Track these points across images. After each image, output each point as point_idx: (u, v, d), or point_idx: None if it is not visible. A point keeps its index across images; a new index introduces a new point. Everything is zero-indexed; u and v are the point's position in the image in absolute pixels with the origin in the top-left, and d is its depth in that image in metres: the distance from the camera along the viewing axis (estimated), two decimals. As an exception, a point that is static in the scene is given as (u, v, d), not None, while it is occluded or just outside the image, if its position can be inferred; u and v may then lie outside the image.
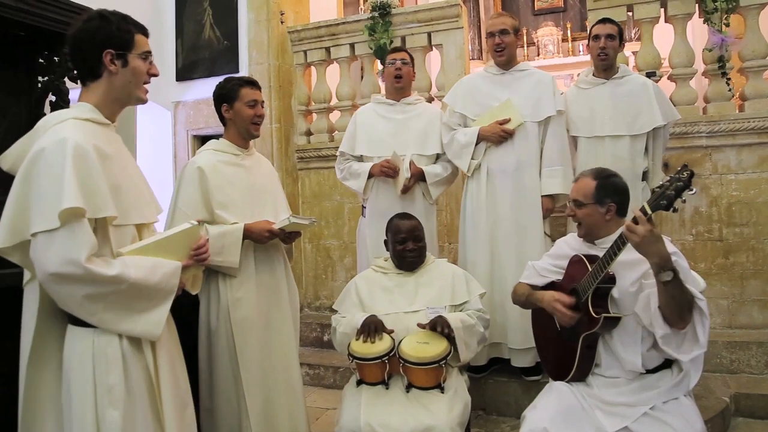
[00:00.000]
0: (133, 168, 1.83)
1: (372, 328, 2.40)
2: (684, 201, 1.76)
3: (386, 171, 3.16)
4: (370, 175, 3.25)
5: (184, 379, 1.89)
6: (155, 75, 1.81)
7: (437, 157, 3.35)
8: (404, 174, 3.15)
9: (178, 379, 1.84)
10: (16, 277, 1.83)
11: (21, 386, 1.66)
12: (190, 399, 1.90)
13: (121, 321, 1.62)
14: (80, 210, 1.52)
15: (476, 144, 3.18)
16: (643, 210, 1.80)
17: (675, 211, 1.78)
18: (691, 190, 1.74)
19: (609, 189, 2.13)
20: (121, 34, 1.70)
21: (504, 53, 3.22)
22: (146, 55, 1.76)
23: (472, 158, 3.19)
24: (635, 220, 1.80)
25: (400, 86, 3.34)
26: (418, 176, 3.23)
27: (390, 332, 2.42)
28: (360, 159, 3.36)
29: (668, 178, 1.78)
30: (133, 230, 1.76)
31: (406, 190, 3.18)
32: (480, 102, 3.22)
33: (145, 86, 1.79)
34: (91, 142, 1.60)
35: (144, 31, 1.78)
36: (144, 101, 1.81)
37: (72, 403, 1.59)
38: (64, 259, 1.50)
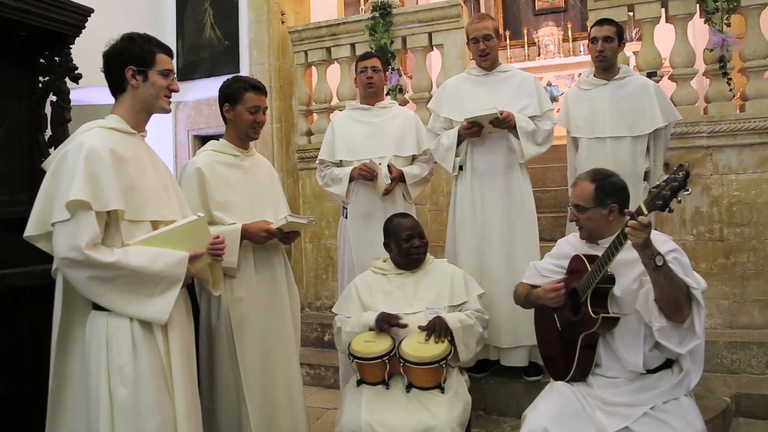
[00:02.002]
0: (156, 172, 2.00)
1: (389, 318, 2.44)
2: (680, 201, 1.77)
3: (364, 174, 3.19)
4: (351, 179, 3.27)
5: (194, 370, 2.02)
6: (175, 91, 2.03)
7: (413, 158, 3.38)
8: (384, 180, 3.19)
9: (192, 369, 1.98)
10: (17, 278, 1.86)
11: (51, 368, 1.86)
12: (197, 388, 2.02)
13: (128, 304, 1.79)
14: (84, 202, 1.71)
15: (458, 144, 3.19)
16: (639, 210, 1.81)
17: (671, 211, 1.80)
18: (687, 190, 1.75)
19: (608, 189, 2.13)
20: (143, 53, 1.93)
21: (489, 58, 3.23)
22: (167, 72, 1.98)
23: (456, 156, 3.21)
24: (633, 218, 1.80)
25: (372, 91, 3.39)
26: (399, 178, 3.25)
27: (405, 326, 2.43)
28: (339, 164, 3.39)
29: (665, 178, 1.79)
30: (149, 226, 1.91)
31: (386, 192, 3.22)
32: (464, 105, 3.21)
33: (168, 99, 2.01)
34: (107, 147, 1.81)
35: (167, 52, 2.01)
36: (167, 111, 2.04)
37: (91, 381, 1.79)
38: (69, 245, 1.71)
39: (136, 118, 1.97)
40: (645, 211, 1.80)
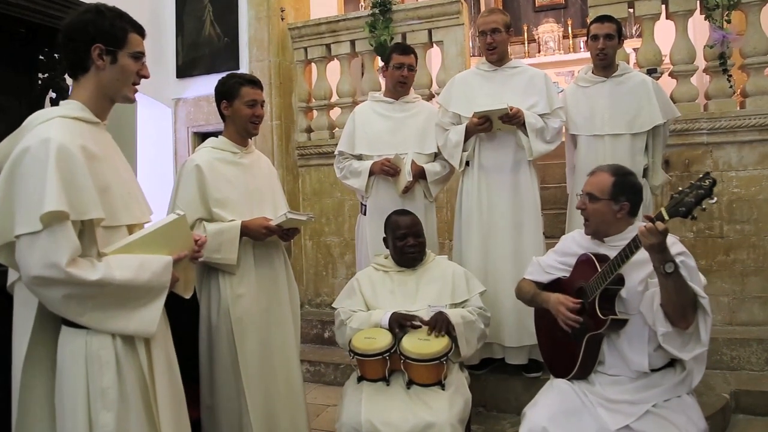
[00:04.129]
0: (123, 168, 1.79)
1: (401, 320, 2.42)
2: (704, 209, 1.74)
3: (387, 170, 3.15)
4: (371, 173, 3.24)
5: (178, 379, 1.87)
6: (145, 77, 1.78)
7: (435, 155, 3.35)
8: (406, 177, 3.14)
9: (175, 378, 1.82)
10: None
11: (15, 387, 1.64)
12: (184, 398, 1.88)
13: (111, 320, 1.60)
14: (62, 213, 1.49)
15: (466, 140, 3.18)
16: (659, 216, 1.78)
17: (694, 218, 1.76)
18: (712, 198, 1.72)
19: (626, 187, 2.11)
20: (114, 30, 1.68)
21: (496, 51, 3.21)
22: (138, 55, 1.73)
23: (463, 151, 3.20)
24: (651, 222, 1.78)
25: (403, 90, 3.34)
26: (419, 175, 3.22)
27: (418, 326, 2.41)
28: (359, 158, 3.35)
29: (689, 184, 1.76)
30: (125, 231, 1.73)
31: (407, 190, 3.18)
32: (473, 100, 3.19)
33: (135, 86, 1.76)
34: (77, 143, 1.57)
35: (140, 32, 1.76)
36: (131, 101, 1.78)
37: (65, 405, 1.58)
38: (45, 262, 1.47)
39: (100, 104, 1.71)
40: (666, 217, 1.77)
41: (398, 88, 3.33)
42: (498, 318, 3.11)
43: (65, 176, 1.51)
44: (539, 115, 3.11)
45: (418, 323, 2.43)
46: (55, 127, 1.57)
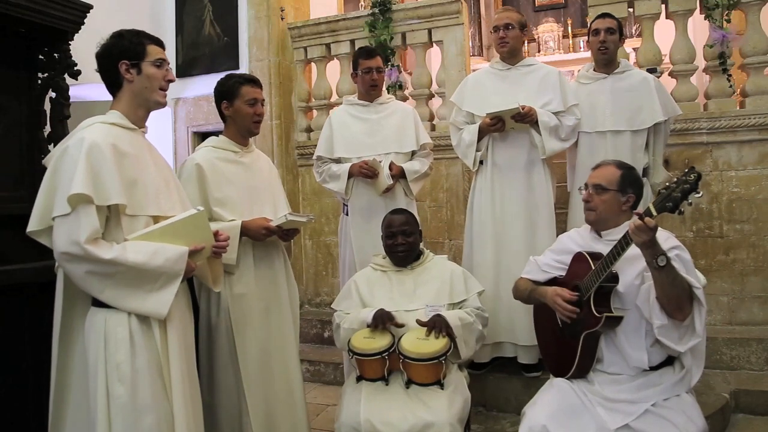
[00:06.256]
0: (157, 167, 2.00)
1: (385, 317, 2.42)
2: (690, 204, 1.75)
3: (365, 172, 3.15)
4: (350, 175, 3.24)
5: (194, 365, 2.03)
6: (171, 81, 2.02)
7: (412, 154, 3.35)
8: (386, 181, 3.16)
9: (190, 363, 1.99)
10: (15, 274, 1.88)
11: (53, 362, 1.88)
12: (198, 383, 2.03)
13: (128, 298, 1.79)
14: (86, 196, 1.71)
15: (479, 140, 3.19)
16: (648, 211, 1.80)
17: (681, 213, 1.78)
18: (698, 192, 1.73)
19: (632, 180, 2.15)
20: (133, 46, 1.93)
21: (507, 46, 3.22)
22: (160, 62, 1.96)
23: (477, 150, 3.21)
24: (641, 218, 1.79)
25: (375, 92, 3.36)
26: (399, 174, 3.23)
27: (401, 326, 2.42)
28: (338, 161, 3.36)
29: (675, 179, 1.78)
30: (150, 221, 1.90)
31: (387, 190, 3.19)
32: (486, 99, 3.20)
33: (162, 91, 1.99)
34: (108, 141, 1.81)
35: (158, 42, 2.00)
36: (163, 105, 2.01)
37: (89, 376, 1.80)
38: (69, 239, 1.71)
39: (136, 113, 1.97)
40: (654, 213, 1.79)
41: (371, 92, 3.34)
42: (511, 317, 3.11)
43: (93, 167, 1.75)
44: (554, 112, 3.12)
45: (401, 323, 2.43)
46: (92, 129, 1.84)
